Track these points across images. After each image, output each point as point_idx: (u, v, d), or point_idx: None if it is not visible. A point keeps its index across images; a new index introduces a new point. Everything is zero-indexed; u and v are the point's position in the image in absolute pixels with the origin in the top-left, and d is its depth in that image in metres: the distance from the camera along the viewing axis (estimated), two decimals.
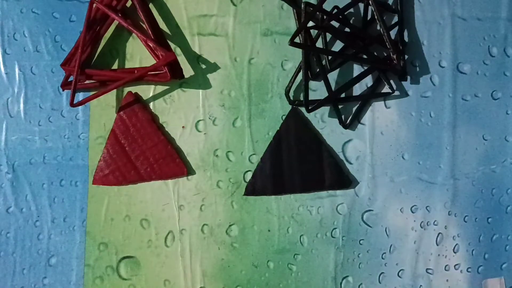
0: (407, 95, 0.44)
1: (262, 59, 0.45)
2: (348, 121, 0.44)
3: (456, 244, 0.43)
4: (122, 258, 0.45)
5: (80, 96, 0.46)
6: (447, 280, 0.43)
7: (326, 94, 0.42)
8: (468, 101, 0.43)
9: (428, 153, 0.43)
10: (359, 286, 0.43)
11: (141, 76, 0.43)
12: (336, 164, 0.43)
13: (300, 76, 0.43)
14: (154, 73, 0.44)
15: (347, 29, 0.43)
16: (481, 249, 0.43)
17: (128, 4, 0.45)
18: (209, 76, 0.45)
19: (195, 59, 0.45)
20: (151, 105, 0.46)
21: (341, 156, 0.44)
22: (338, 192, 0.44)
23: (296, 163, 0.43)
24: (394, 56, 0.42)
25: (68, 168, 0.46)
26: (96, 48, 0.46)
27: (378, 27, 0.42)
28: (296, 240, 0.44)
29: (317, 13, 0.42)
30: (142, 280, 0.45)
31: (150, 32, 0.44)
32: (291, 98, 0.44)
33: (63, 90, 0.46)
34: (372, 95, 0.44)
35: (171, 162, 0.45)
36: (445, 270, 0.43)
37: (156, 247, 0.45)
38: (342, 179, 0.43)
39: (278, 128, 0.44)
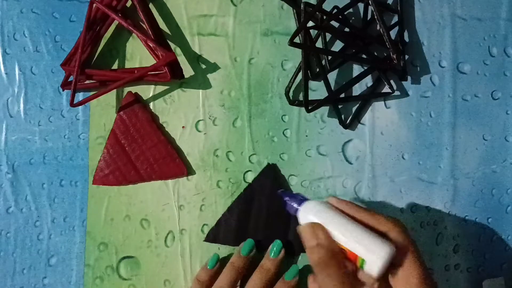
0: (407, 95, 0.44)
1: (262, 59, 0.45)
2: (348, 121, 0.44)
3: (456, 244, 0.43)
4: (122, 258, 0.45)
5: (80, 96, 0.46)
6: (447, 280, 0.43)
7: (326, 94, 0.42)
8: (468, 101, 0.43)
9: (428, 153, 0.43)
10: None
11: (141, 76, 0.43)
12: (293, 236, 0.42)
13: (300, 76, 0.43)
14: (154, 73, 0.44)
15: (347, 29, 0.43)
16: (481, 249, 0.43)
17: (128, 4, 0.45)
18: (209, 76, 0.45)
19: (195, 59, 0.45)
20: (151, 105, 0.46)
21: (341, 156, 0.44)
22: (338, 192, 0.44)
23: (262, 222, 0.43)
24: (394, 56, 0.42)
25: (68, 168, 0.46)
26: (96, 48, 0.46)
27: (378, 27, 0.42)
28: None
29: (317, 13, 0.42)
30: (142, 280, 0.45)
31: (150, 32, 0.44)
32: (291, 98, 0.44)
33: (63, 90, 0.46)
34: (372, 95, 0.44)
35: (171, 162, 0.45)
36: (445, 270, 0.43)
37: (156, 247, 0.45)
38: (291, 250, 0.43)
39: (251, 182, 0.44)
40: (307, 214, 0.34)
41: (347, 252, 0.31)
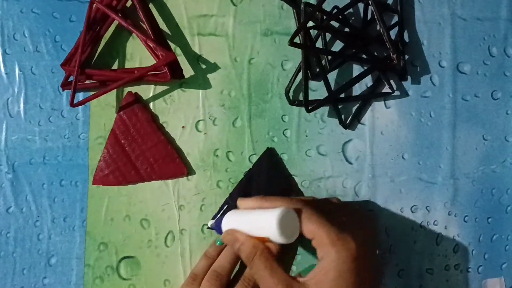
0: (407, 95, 0.44)
1: (262, 59, 0.45)
2: (348, 121, 0.44)
3: (456, 244, 0.43)
4: (122, 258, 0.45)
5: (80, 96, 0.46)
6: (447, 280, 0.43)
7: (326, 94, 0.42)
8: (468, 101, 0.43)
9: (428, 153, 0.43)
10: None
11: (141, 76, 0.43)
12: None
13: (300, 76, 0.43)
14: (154, 73, 0.44)
15: (347, 29, 0.43)
16: (481, 249, 0.43)
17: (128, 4, 0.45)
18: (209, 76, 0.45)
19: (195, 59, 0.45)
20: (151, 105, 0.46)
21: (341, 156, 0.44)
22: (338, 192, 0.44)
23: None
24: (394, 56, 0.42)
25: (68, 168, 0.46)
26: (96, 48, 0.46)
27: (378, 27, 0.42)
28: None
29: (317, 13, 0.42)
30: (142, 280, 0.45)
31: (150, 32, 0.44)
32: (291, 98, 0.44)
33: (63, 90, 0.46)
34: (372, 95, 0.44)
35: (171, 162, 0.45)
36: (445, 270, 0.43)
37: (156, 247, 0.45)
38: None
39: (251, 167, 0.44)
40: (225, 227, 0.38)
41: (260, 238, 0.35)
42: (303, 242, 0.41)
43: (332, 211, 0.36)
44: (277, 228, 0.32)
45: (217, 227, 0.40)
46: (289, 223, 0.33)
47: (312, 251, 0.43)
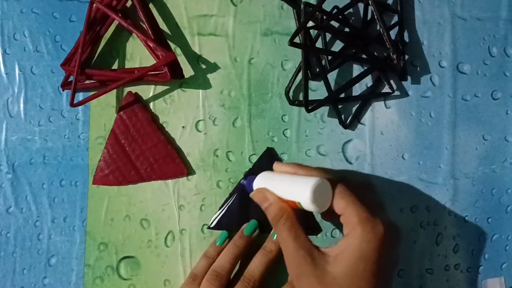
0: (407, 95, 0.44)
1: (262, 59, 0.45)
2: (348, 121, 0.44)
3: (456, 244, 0.43)
4: (122, 258, 0.45)
5: (80, 96, 0.46)
6: (447, 280, 0.43)
7: (326, 94, 0.42)
8: (468, 101, 0.43)
9: (428, 153, 0.43)
10: None
11: (141, 76, 0.43)
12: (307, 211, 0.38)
13: (300, 76, 0.43)
14: (154, 73, 0.44)
15: (347, 29, 0.43)
16: (481, 249, 0.43)
17: (128, 4, 0.45)
18: (209, 76, 0.45)
19: (195, 59, 0.45)
20: (151, 105, 0.46)
21: (341, 156, 0.44)
22: None
23: None
24: (394, 56, 0.42)
25: (68, 168, 0.46)
26: (96, 48, 0.46)
27: (378, 27, 0.42)
28: None
29: (317, 13, 0.42)
30: (142, 280, 0.45)
31: (150, 32, 0.44)
32: (291, 98, 0.44)
33: (63, 90, 0.46)
34: (372, 95, 0.44)
35: (171, 162, 0.45)
36: (445, 270, 0.43)
37: (156, 247, 0.45)
38: (313, 226, 0.43)
39: (251, 167, 0.44)
40: (257, 185, 0.38)
41: (289, 202, 0.35)
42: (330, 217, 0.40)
43: (363, 191, 0.36)
44: (310, 196, 0.33)
45: (248, 186, 0.39)
46: (323, 193, 0.33)
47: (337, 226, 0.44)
